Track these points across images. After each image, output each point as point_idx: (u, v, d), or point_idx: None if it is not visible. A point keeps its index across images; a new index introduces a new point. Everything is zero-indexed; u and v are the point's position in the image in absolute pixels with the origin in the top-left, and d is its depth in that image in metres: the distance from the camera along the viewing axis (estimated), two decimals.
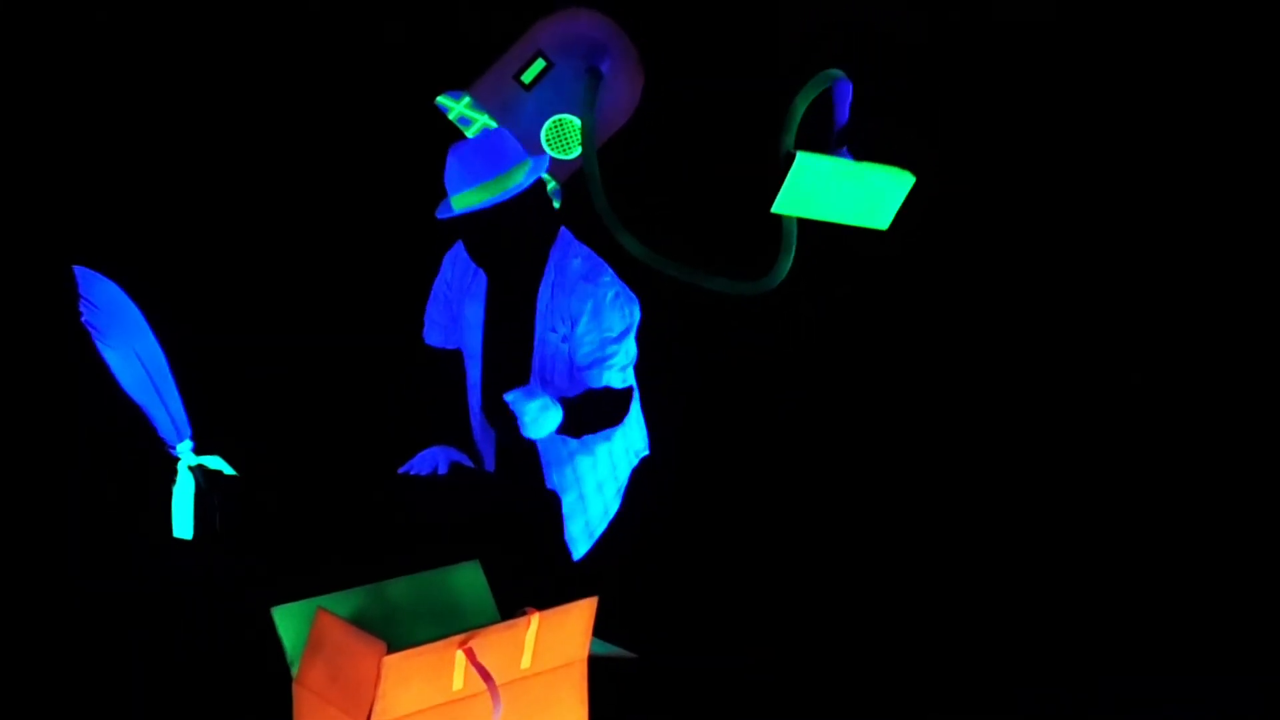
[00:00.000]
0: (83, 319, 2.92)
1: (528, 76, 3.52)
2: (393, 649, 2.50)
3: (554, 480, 3.35)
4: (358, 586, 2.77)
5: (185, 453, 2.97)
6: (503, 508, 3.25)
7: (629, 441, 3.44)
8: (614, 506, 3.41)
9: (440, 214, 3.26)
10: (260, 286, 3.81)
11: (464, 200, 3.21)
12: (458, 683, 2.55)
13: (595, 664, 2.80)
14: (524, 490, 3.33)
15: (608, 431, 3.34)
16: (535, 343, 3.36)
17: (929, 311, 4.13)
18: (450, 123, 3.54)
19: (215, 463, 2.98)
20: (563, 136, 3.59)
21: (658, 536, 3.46)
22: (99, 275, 2.96)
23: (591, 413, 3.27)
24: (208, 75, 3.81)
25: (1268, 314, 4.08)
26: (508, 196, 3.19)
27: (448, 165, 3.23)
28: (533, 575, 3.12)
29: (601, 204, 3.28)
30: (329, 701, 2.56)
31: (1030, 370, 4.13)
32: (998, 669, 3.34)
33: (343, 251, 3.85)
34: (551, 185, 3.63)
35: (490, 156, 3.21)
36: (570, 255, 3.35)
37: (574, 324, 3.31)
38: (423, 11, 3.90)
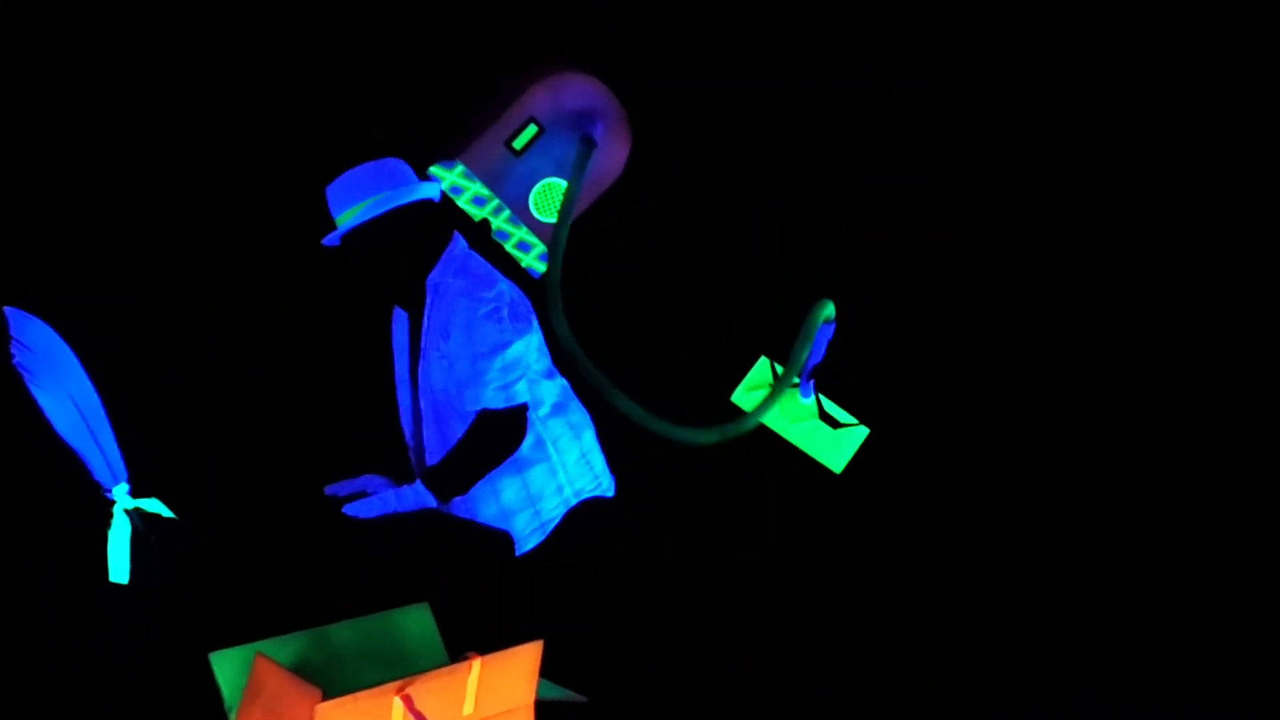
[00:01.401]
0: (14, 361, 2.89)
1: (519, 143, 3.55)
2: (334, 695, 2.46)
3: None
4: (300, 630, 2.73)
5: (121, 496, 2.92)
6: (454, 548, 3.21)
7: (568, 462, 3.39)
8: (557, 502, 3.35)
9: (327, 241, 3.31)
10: (197, 325, 3.77)
11: (346, 217, 3.27)
12: None
13: (544, 709, 2.76)
14: (475, 529, 3.29)
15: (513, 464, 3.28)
16: (420, 365, 3.33)
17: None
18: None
19: (153, 505, 2.94)
20: (549, 200, 3.63)
21: (614, 579, 3.42)
22: (30, 316, 2.93)
23: (472, 451, 3.21)
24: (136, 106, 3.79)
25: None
26: (386, 207, 3.25)
27: (329, 194, 3.31)
28: (486, 618, 3.07)
29: (554, 277, 3.41)
30: None
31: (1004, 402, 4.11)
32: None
33: (281, 286, 3.82)
34: (538, 249, 3.64)
35: (372, 178, 3.30)
36: (451, 272, 3.33)
37: (448, 341, 3.28)
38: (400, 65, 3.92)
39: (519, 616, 3.19)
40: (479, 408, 3.22)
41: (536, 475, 3.29)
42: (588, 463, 3.36)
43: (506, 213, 3.61)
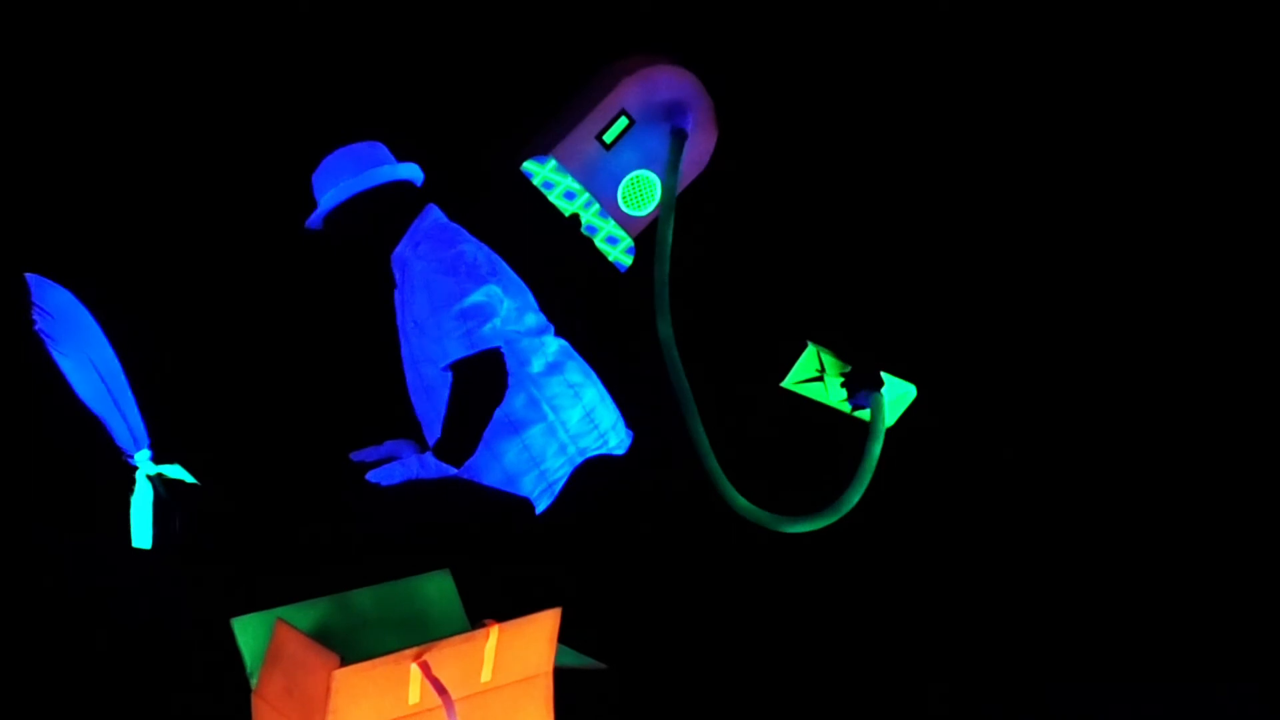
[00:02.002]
0: (35, 327, 2.91)
1: (610, 136, 3.58)
2: (354, 661, 2.47)
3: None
4: (322, 597, 2.74)
5: (143, 461, 2.94)
6: (476, 513, 3.22)
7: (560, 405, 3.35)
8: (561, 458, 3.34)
9: (308, 223, 3.34)
10: (219, 291, 3.78)
11: (329, 198, 3.30)
12: (414, 697, 2.51)
13: (562, 676, 2.77)
14: (496, 495, 3.29)
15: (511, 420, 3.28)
16: (400, 339, 3.35)
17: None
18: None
19: (175, 471, 2.96)
20: (638, 193, 3.66)
21: (637, 541, 3.42)
22: (52, 283, 2.94)
23: (462, 410, 3.21)
24: (171, 80, 3.79)
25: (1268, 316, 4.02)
26: (362, 187, 3.28)
27: (314, 180, 3.34)
28: (508, 584, 3.08)
29: (662, 275, 3.49)
30: (283, 714, 2.53)
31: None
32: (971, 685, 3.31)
33: (303, 256, 3.82)
34: (626, 242, 3.69)
35: (352, 161, 3.32)
36: (414, 243, 3.33)
37: (415, 309, 3.29)
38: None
39: (540, 583, 3.20)
40: (448, 362, 3.22)
41: (535, 435, 3.27)
42: (592, 421, 3.34)
43: (596, 207, 3.62)
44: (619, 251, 3.68)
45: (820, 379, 3.68)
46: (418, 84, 3.80)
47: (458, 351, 3.21)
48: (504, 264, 3.37)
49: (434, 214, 3.37)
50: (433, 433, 3.32)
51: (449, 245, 3.28)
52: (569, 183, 3.60)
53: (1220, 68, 3.92)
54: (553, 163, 3.59)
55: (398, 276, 3.37)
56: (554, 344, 3.36)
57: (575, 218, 3.64)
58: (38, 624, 2.91)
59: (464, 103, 3.82)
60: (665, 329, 3.52)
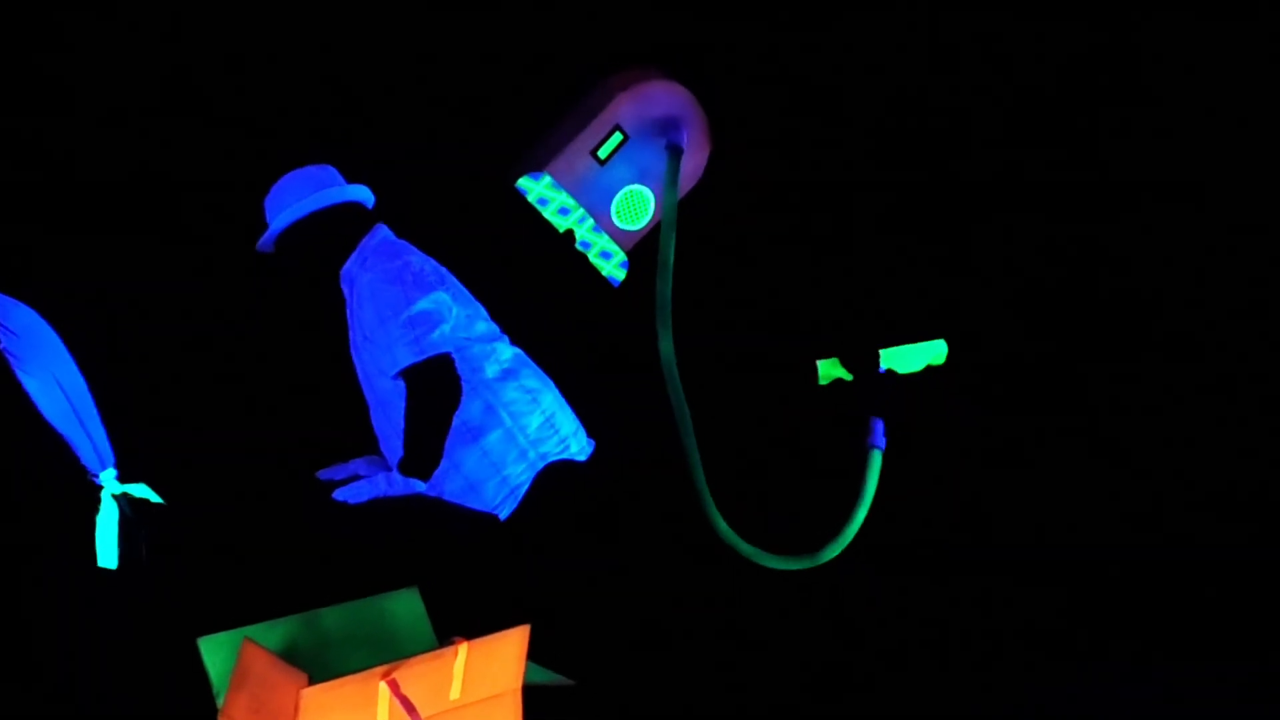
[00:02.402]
0: (0, 346, 2.89)
1: (604, 152, 3.59)
2: (322, 680, 2.46)
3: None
4: (289, 615, 2.73)
5: (109, 481, 2.93)
6: (444, 531, 3.22)
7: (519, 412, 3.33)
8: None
9: (260, 245, 3.34)
10: (183, 310, 3.77)
11: (279, 220, 3.30)
12: (382, 715, 2.50)
13: (531, 693, 2.77)
14: (464, 512, 3.29)
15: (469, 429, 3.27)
16: (354, 357, 3.34)
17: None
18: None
19: (140, 490, 2.95)
20: (632, 208, 3.68)
21: (605, 557, 3.42)
22: (16, 301, 2.93)
23: (416, 419, 3.20)
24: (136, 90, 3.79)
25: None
26: (313, 208, 3.28)
27: (272, 195, 3.34)
28: (475, 602, 3.08)
29: (664, 292, 3.48)
30: None
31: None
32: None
33: (265, 277, 3.82)
34: (619, 257, 3.70)
35: (303, 184, 3.32)
36: (361, 260, 3.33)
37: (364, 321, 3.28)
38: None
39: (507, 600, 3.20)
40: (398, 369, 3.21)
41: (494, 441, 3.26)
42: (552, 426, 3.33)
43: (590, 222, 3.64)
44: (612, 266, 3.69)
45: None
46: (399, 97, 3.82)
47: (406, 358, 3.20)
48: (452, 276, 3.37)
49: (382, 232, 3.38)
50: (391, 448, 3.32)
51: (395, 257, 3.28)
52: (563, 199, 3.61)
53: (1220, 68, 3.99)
54: (548, 179, 3.60)
55: (346, 293, 3.36)
56: (507, 351, 3.35)
57: (569, 233, 3.65)
58: (1, 644, 2.89)
59: (448, 114, 3.84)
60: (667, 346, 3.51)
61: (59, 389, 2.92)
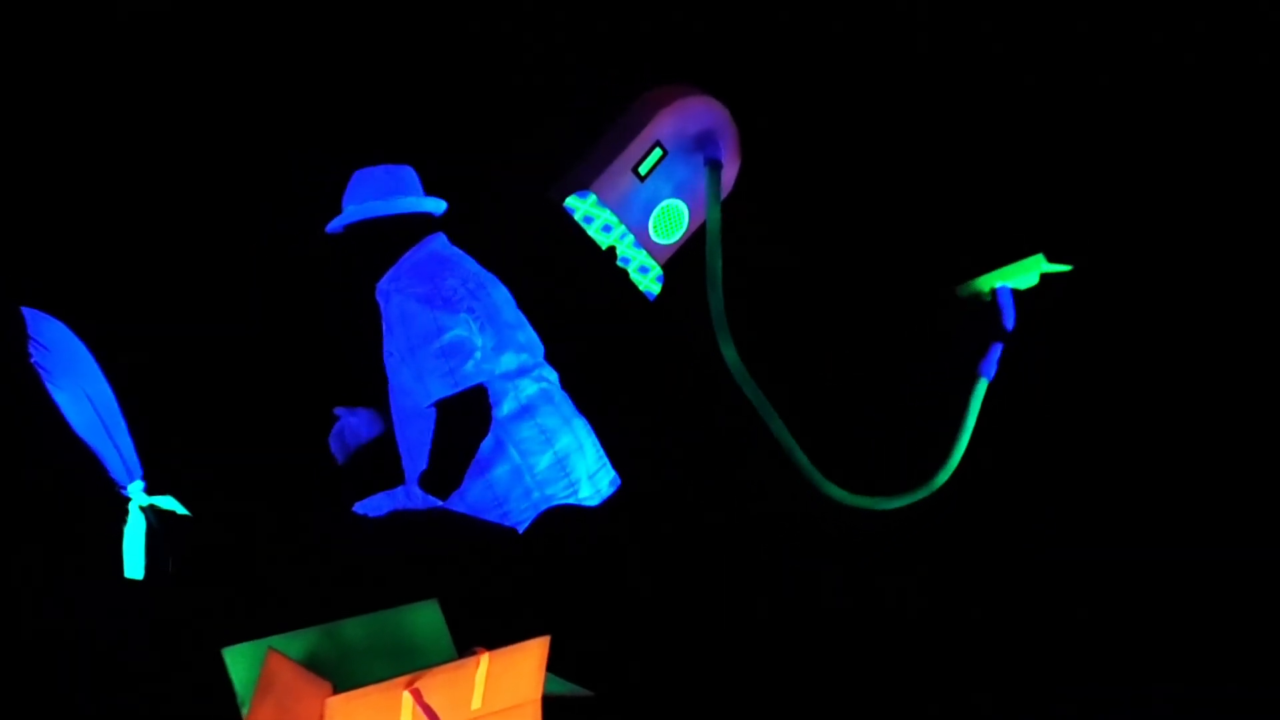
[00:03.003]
0: (31, 360, 2.93)
1: (644, 168, 3.67)
2: (344, 690, 2.49)
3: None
4: (311, 626, 2.76)
5: (136, 493, 2.97)
6: (464, 544, 3.25)
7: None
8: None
9: (331, 227, 3.39)
10: (212, 321, 3.80)
11: (351, 212, 3.36)
12: None
13: (551, 703, 2.79)
14: (484, 525, 3.32)
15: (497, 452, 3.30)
16: (388, 373, 3.38)
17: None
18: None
19: (167, 503, 2.98)
20: (668, 222, 3.75)
21: (622, 574, 3.44)
22: (47, 316, 2.97)
23: (443, 446, 3.25)
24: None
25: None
26: (389, 211, 3.34)
27: (351, 184, 3.40)
28: (494, 614, 3.10)
29: (717, 302, 3.55)
30: None
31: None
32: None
33: (295, 289, 3.86)
34: (656, 271, 3.76)
35: (392, 180, 3.39)
36: (397, 275, 3.37)
37: (395, 342, 3.32)
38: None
39: (527, 612, 3.23)
40: (431, 401, 3.24)
41: (500, 476, 3.28)
42: (563, 468, 3.33)
43: (630, 238, 3.69)
44: (649, 281, 3.74)
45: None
46: (426, 102, 3.87)
47: (441, 391, 3.23)
48: (494, 300, 3.38)
49: (431, 246, 3.39)
50: (413, 461, 3.34)
51: (428, 280, 3.30)
52: (607, 216, 3.66)
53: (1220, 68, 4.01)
54: (593, 197, 3.65)
55: (382, 307, 3.40)
56: (531, 387, 3.34)
57: (611, 250, 3.70)
58: (30, 654, 2.92)
59: (476, 122, 3.90)
60: (731, 354, 3.58)
61: (88, 402, 2.96)
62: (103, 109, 3.72)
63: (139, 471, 2.98)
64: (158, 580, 2.94)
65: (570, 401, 3.43)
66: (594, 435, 3.44)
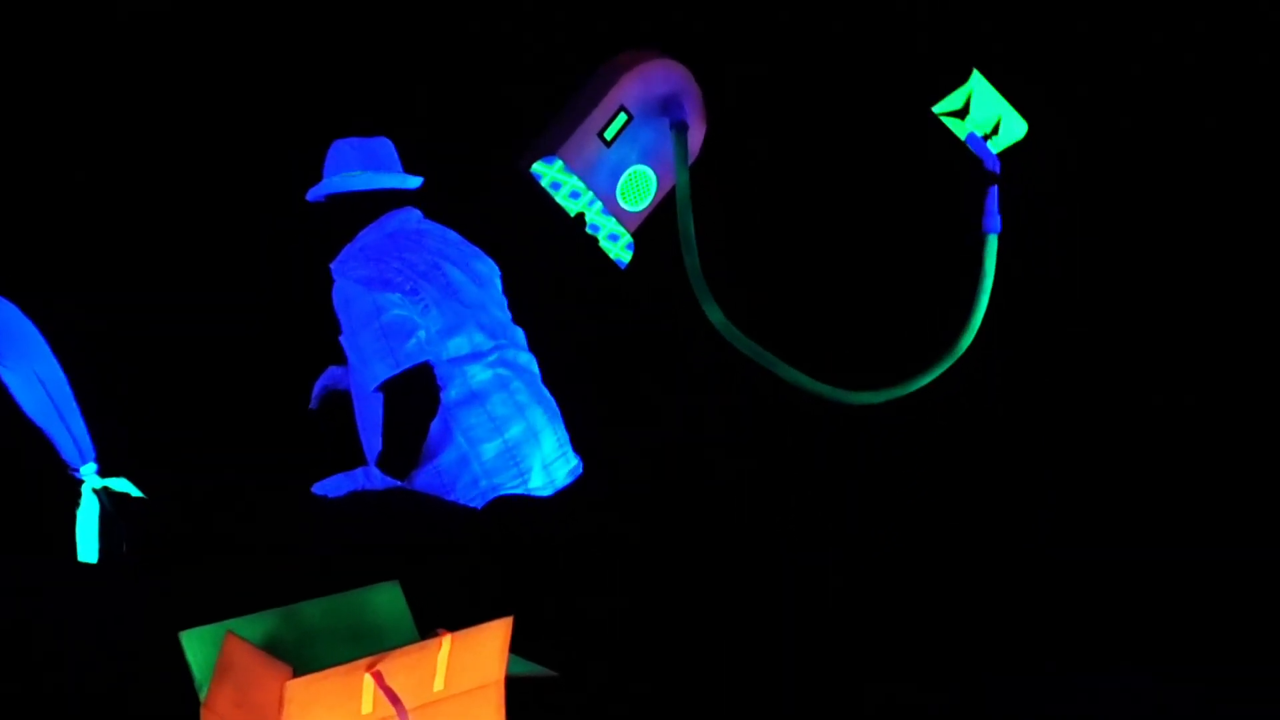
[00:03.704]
0: None
1: (610, 133, 3.64)
2: (304, 673, 2.46)
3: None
4: (270, 609, 2.73)
5: (89, 475, 2.93)
6: (425, 525, 3.22)
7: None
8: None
9: (311, 195, 3.37)
10: (164, 300, 3.76)
11: (341, 181, 3.34)
12: (366, 706, 2.50)
13: (514, 684, 2.77)
14: (446, 505, 3.29)
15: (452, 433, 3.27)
16: (347, 355, 3.36)
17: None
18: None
19: (121, 484, 2.94)
20: (635, 188, 3.72)
21: (589, 549, 3.43)
22: None
23: (393, 427, 3.22)
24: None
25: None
26: (371, 187, 3.33)
27: (333, 152, 3.39)
28: (456, 595, 3.08)
29: (693, 265, 3.52)
30: None
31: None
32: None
33: (255, 270, 3.82)
34: (626, 239, 3.73)
35: (368, 154, 3.38)
36: (350, 254, 3.35)
37: (342, 324, 3.31)
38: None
39: (489, 593, 3.21)
40: (376, 383, 3.21)
41: (447, 462, 3.25)
42: (512, 457, 3.29)
43: (599, 205, 3.66)
44: (619, 249, 3.71)
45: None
46: (403, 85, 3.85)
47: (384, 371, 3.20)
48: (451, 281, 3.34)
49: (387, 226, 3.36)
50: (370, 444, 3.31)
51: (372, 262, 3.27)
52: (574, 182, 3.63)
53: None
54: (559, 163, 3.62)
55: (333, 289, 3.37)
56: (483, 373, 3.30)
57: (580, 217, 3.67)
58: None
59: (454, 102, 3.87)
60: (715, 314, 3.55)
61: (39, 384, 2.91)
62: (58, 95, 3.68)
63: (92, 454, 2.93)
64: (111, 563, 2.90)
65: (537, 386, 3.40)
66: (559, 423, 3.40)
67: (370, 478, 3.26)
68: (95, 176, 3.71)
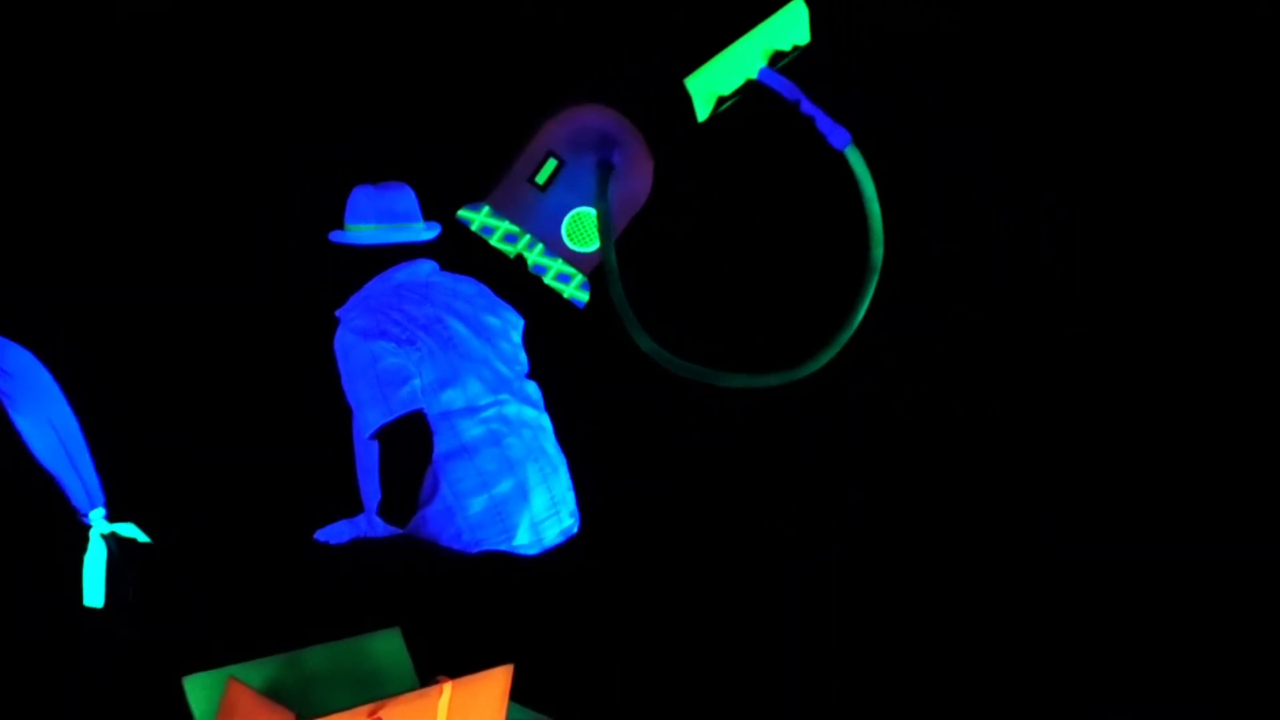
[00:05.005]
0: None
1: (541, 177, 3.69)
2: (307, 719, 2.48)
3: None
4: (273, 655, 2.75)
5: (98, 520, 2.95)
6: (426, 570, 3.24)
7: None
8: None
9: (334, 236, 3.40)
10: (176, 347, 3.79)
11: (362, 229, 3.37)
12: None
13: None
14: (445, 554, 3.32)
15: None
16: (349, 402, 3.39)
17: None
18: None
19: (129, 530, 2.97)
20: (582, 230, 3.75)
21: (586, 604, 3.45)
22: (11, 342, 2.95)
23: (388, 476, 3.23)
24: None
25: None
26: (397, 239, 3.36)
27: (353, 200, 3.40)
28: (458, 642, 3.10)
29: (618, 295, 3.55)
30: None
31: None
32: None
33: (261, 321, 3.85)
34: (578, 279, 3.76)
35: (395, 205, 3.39)
36: (353, 305, 3.37)
37: (341, 373, 3.33)
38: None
39: (489, 641, 3.23)
40: (370, 431, 3.23)
41: (433, 514, 3.25)
42: (498, 513, 3.28)
43: (540, 246, 3.71)
44: (573, 288, 3.75)
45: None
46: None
47: (378, 419, 3.20)
48: (453, 334, 3.36)
49: (395, 276, 3.39)
50: (369, 492, 3.33)
51: (374, 313, 3.30)
52: (506, 226, 3.68)
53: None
54: (486, 208, 3.67)
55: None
56: (475, 428, 3.29)
57: (520, 259, 3.72)
58: None
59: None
60: (645, 341, 3.57)
61: (52, 430, 2.95)
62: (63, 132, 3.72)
63: (101, 499, 2.96)
64: (118, 608, 2.92)
65: (539, 443, 3.42)
66: (557, 481, 3.41)
67: (371, 525, 3.28)
68: (95, 176, 3.73)
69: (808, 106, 3.65)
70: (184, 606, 2.98)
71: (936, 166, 4.05)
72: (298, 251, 3.69)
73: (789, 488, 3.96)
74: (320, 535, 3.31)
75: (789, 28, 3.66)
